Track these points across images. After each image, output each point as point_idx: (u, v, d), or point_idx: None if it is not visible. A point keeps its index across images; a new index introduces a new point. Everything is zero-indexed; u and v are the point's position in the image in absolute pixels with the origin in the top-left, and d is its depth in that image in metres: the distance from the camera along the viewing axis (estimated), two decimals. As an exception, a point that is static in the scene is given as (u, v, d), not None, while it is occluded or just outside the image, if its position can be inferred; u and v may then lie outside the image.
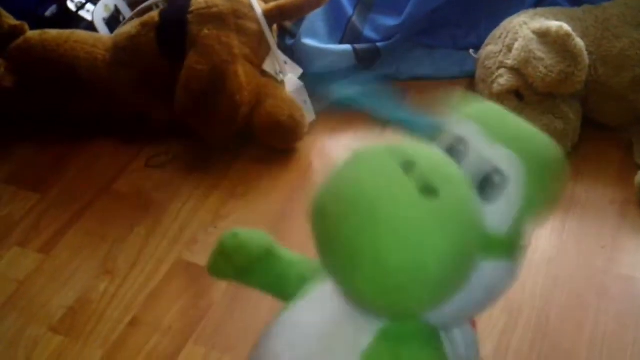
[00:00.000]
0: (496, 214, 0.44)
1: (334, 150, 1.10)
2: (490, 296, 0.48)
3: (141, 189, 1.05)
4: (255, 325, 0.83)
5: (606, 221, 0.92)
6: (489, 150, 0.45)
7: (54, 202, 1.03)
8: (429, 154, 0.43)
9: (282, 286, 0.58)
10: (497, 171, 0.44)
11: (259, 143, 1.08)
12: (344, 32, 1.22)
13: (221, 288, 0.88)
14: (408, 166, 0.41)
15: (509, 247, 0.46)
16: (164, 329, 0.84)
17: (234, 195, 1.02)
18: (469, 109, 0.49)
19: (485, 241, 0.44)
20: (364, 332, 0.47)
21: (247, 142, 1.09)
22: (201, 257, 0.93)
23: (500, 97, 1.02)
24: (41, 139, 1.15)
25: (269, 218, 0.98)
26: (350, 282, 0.42)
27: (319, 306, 0.52)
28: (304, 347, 0.50)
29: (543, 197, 0.45)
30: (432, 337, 0.48)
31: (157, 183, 1.05)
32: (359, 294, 0.42)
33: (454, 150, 0.46)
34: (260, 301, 0.86)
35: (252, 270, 0.58)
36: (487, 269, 0.45)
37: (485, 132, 0.45)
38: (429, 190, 0.40)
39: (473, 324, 0.56)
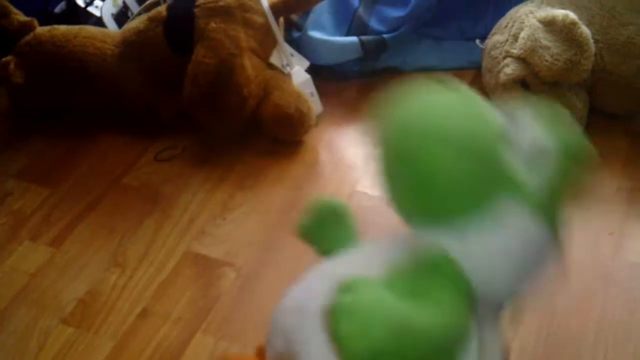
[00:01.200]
0: (532, 177, 0.49)
1: (341, 142, 1.10)
2: (525, 258, 0.50)
3: (150, 182, 1.06)
4: (263, 314, 0.84)
5: (613, 208, 0.92)
6: (533, 128, 0.51)
7: (65, 196, 1.04)
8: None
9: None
10: (540, 146, 0.50)
11: (266, 136, 1.09)
12: (350, 24, 1.22)
13: (229, 278, 0.89)
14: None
15: (539, 202, 0.49)
16: (174, 320, 0.85)
17: (242, 188, 1.03)
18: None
19: (511, 175, 0.49)
20: (402, 252, 0.51)
21: (255, 135, 1.10)
22: (210, 248, 0.94)
23: (506, 87, 1.02)
24: (51, 134, 1.16)
25: (276, 210, 0.99)
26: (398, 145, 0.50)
27: (368, 245, 0.58)
28: (352, 261, 0.56)
29: (572, 176, 0.51)
30: (462, 290, 0.49)
31: (166, 176, 1.06)
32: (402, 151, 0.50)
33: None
34: (269, 291, 0.87)
35: (333, 226, 0.64)
36: (518, 214, 0.49)
37: (537, 117, 0.52)
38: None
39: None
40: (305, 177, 1.04)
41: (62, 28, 1.14)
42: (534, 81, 1.00)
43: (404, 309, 0.45)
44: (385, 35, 1.19)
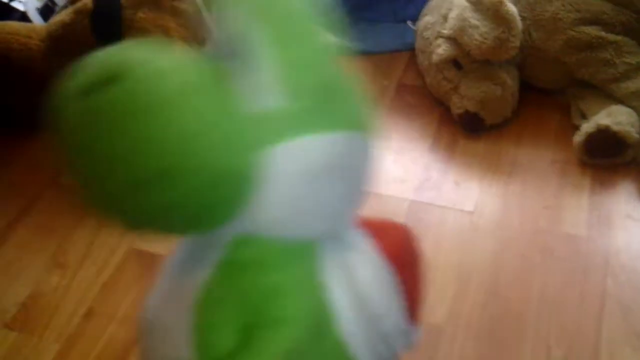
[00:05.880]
0: (257, 85, 0.39)
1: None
2: (345, 177, 0.42)
3: (88, 179, 1.03)
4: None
5: (548, 182, 0.94)
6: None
7: (2, 198, 1.01)
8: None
9: None
10: (239, 44, 0.40)
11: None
12: (284, 10, 1.21)
13: (175, 273, 0.88)
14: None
15: (301, 118, 0.40)
16: (120, 319, 0.84)
17: (183, 180, 1.02)
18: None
19: (252, 122, 0.38)
20: (202, 264, 0.44)
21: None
22: (153, 244, 0.92)
23: (439, 67, 1.04)
24: (-19, 135, 1.12)
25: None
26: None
27: (172, 257, 0.50)
28: (164, 294, 0.49)
29: (306, 44, 0.41)
30: (281, 258, 0.43)
31: (104, 173, 1.04)
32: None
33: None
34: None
35: None
36: (295, 149, 0.39)
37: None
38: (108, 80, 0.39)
39: (399, 262, 0.50)
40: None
41: (-16, 25, 1.10)
42: (465, 60, 1.01)
43: None
44: (318, 20, 1.19)
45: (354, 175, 0.43)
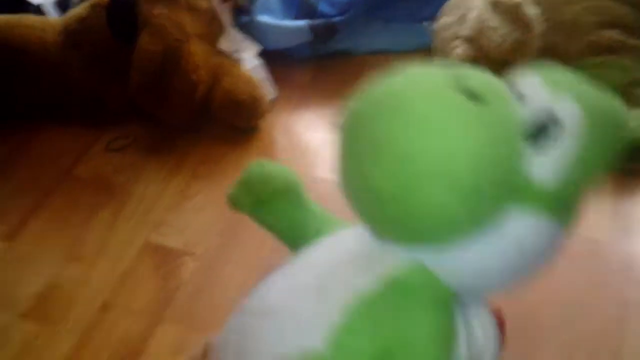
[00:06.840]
0: (545, 165, 0.41)
1: (296, 127, 1.10)
2: (523, 261, 0.43)
3: (103, 173, 1.04)
4: (225, 302, 0.84)
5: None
6: (549, 98, 0.42)
7: (16, 191, 1.01)
8: (479, 74, 0.42)
9: (296, 233, 0.54)
10: (555, 120, 0.41)
11: (220, 122, 1.08)
12: (298, 8, 1.21)
13: (190, 268, 0.88)
14: (457, 81, 0.39)
15: (551, 203, 0.42)
16: (135, 311, 0.84)
17: (198, 176, 1.02)
18: (534, 69, 0.45)
19: (523, 185, 0.40)
20: (365, 273, 0.44)
21: (209, 122, 1.09)
22: (168, 238, 0.92)
23: (457, 67, 1.04)
24: (-2, 128, 1.12)
25: (234, 196, 0.98)
26: (371, 176, 0.39)
27: (325, 250, 0.49)
28: (301, 283, 0.47)
29: (601, 157, 0.42)
30: (443, 301, 0.43)
31: (118, 167, 1.04)
32: (380, 189, 0.39)
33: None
34: (230, 278, 0.86)
35: (271, 205, 0.54)
36: (521, 221, 0.41)
37: (548, 84, 0.42)
38: (474, 96, 0.39)
39: (500, 323, 0.53)
40: (262, 163, 1.03)
41: (1, 18, 1.10)
42: (483, 61, 1.01)
43: None
44: (334, 19, 1.19)
45: (538, 261, 0.45)
